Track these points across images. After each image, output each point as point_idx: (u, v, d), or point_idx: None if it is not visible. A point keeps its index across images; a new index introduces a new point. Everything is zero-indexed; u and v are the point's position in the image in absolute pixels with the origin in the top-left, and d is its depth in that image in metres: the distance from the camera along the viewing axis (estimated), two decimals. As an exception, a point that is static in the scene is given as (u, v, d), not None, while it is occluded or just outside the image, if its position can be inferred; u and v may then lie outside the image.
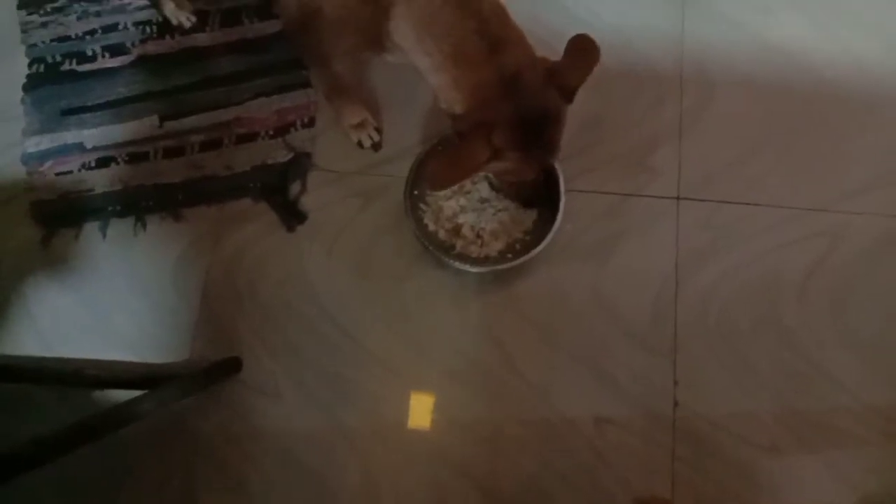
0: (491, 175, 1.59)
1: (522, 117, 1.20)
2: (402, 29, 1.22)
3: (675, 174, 1.69)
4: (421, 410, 1.59)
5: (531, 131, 1.22)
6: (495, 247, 1.61)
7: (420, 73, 1.27)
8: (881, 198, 1.67)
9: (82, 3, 1.87)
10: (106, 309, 1.66)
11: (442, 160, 1.28)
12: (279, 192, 1.70)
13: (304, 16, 1.33)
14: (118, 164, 1.74)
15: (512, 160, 1.25)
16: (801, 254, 1.63)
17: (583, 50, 1.22)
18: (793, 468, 1.51)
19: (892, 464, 1.50)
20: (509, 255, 1.59)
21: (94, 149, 1.75)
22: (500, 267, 1.56)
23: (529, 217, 1.63)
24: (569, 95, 1.25)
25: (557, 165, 1.55)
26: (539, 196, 1.55)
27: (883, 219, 1.66)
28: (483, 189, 1.63)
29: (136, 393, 1.31)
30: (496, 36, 1.18)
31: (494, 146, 1.20)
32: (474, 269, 1.57)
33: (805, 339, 1.57)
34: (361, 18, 1.26)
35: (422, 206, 1.63)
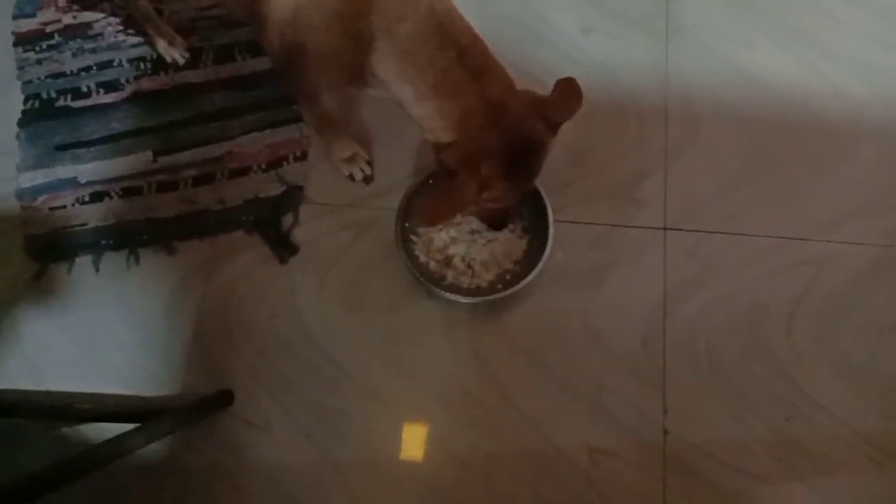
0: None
1: (509, 147, 1.21)
2: (384, 62, 1.23)
3: (661, 205, 1.71)
4: (413, 443, 1.59)
5: (517, 161, 1.24)
6: (486, 277, 1.63)
7: (403, 105, 1.29)
8: (865, 226, 1.70)
9: (77, 41, 1.90)
10: (98, 342, 1.66)
11: (435, 197, 1.30)
12: (271, 224, 1.72)
13: (287, 52, 1.34)
14: (112, 198, 1.76)
15: (497, 190, 1.26)
16: (787, 282, 1.66)
17: (568, 91, 1.25)
18: (782, 496, 1.53)
19: (881, 491, 1.51)
20: (500, 286, 1.60)
21: (89, 183, 1.77)
22: (491, 298, 1.57)
23: (519, 247, 1.66)
24: (552, 129, 1.26)
25: (545, 196, 1.58)
26: (509, 220, 1.56)
27: (867, 247, 1.68)
28: (473, 220, 1.65)
29: (128, 426, 1.30)
30: (477, 65, 1.21)
31: (483, 178, 1.22)
32: (466, 300, 1.59)
33: (793, 367, 1.59)
34: (344, 53, 1.27)
35: (413, 237, 1.65)
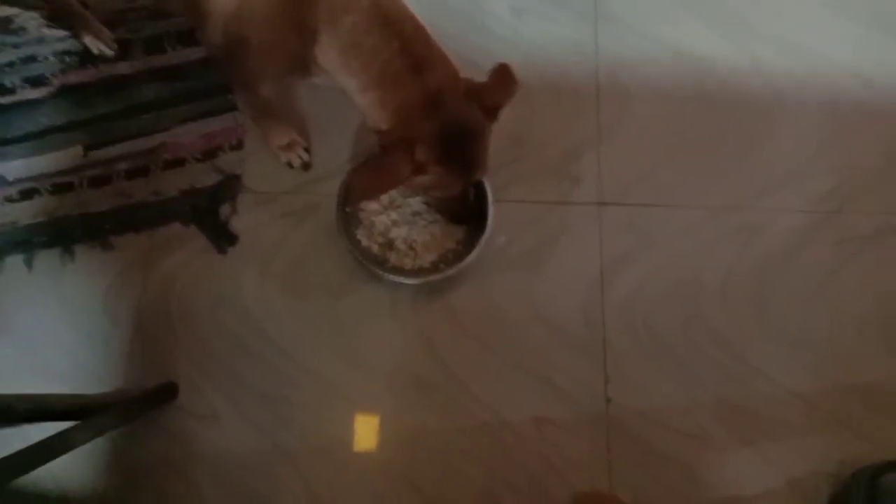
0: (420, 192, 1.62)
1: (444, 133, 1.24)
2: (329, 53, 1.24)
3: (595, 181, 1.76)
4: (365, 427, 1.60)
5: (453, 147, 1.26)
6: (428, 258, 1.64)
7: (347, 93, 1.30)
8: (790, 194, 1.78)
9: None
10: (36, 343, 1.63)
11: (364, 173, 1.31)
12: (209, 215, 1.70)
13: (230, 44, 1.33)
14: (42, 195, 1.71)
15: (435, 174, 1.28)
16: (719, 251, 1.72)
17: (504, 76, 1.28)
18: (725, 456, 1.58)
19: (818, 448, 1.58)
20: (442, 266, 1.62)
21: (17, 181, 1.72)
22: (434, 277, 1.59)
23: (460, 228, 1.67)
24: (491, 115, 1.30)
25: (485, 178, 1.60)
26: (468, 213, 1.59)
27: (794, 214, 1.76)
28: (415, 203, 1.67)
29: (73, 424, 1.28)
30: (419, 56, 1.22)
31: (417, 161, 1.24)
32: (409, 281, 1.60)
33: (728, 332, 1.65)
34: (288, 45, 1.28)
35: (354, 222, 1.65)
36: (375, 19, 1.20)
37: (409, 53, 1.21)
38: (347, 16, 1.20)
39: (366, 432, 1.59)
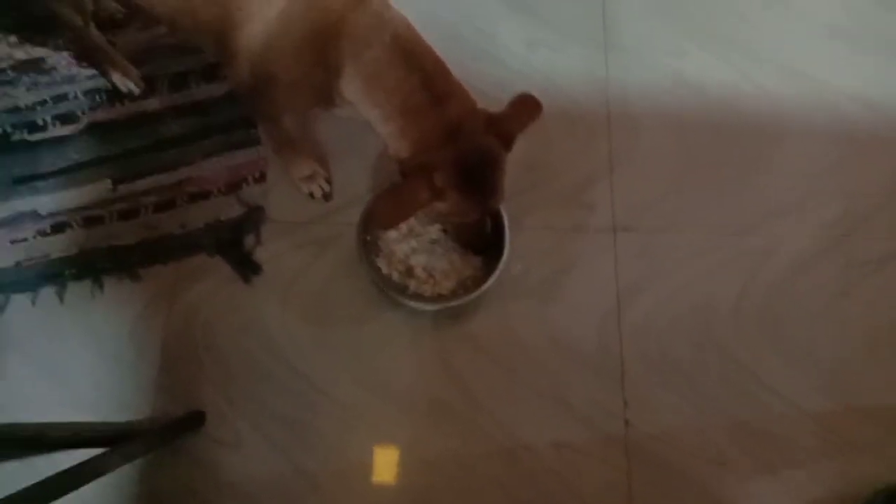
0: (440, 220, 1.66)
1: (462, 160, 1.29)
2: (352, 86, 1.30)
3: (609, 208, 1.80)
4: (385, 452, 1.62)
5: (471, 173, 1.31)
6: (447, 285, 1.68)
7: (370, 123, 1.35)
8: (798, 218, 1.82)
9: (31, 75, 1.91)
10: (66, 372, 1.67)
11: (386, 199, 1.36)
12: (234, 245, 1.75)
13: (256, 79, 1.39)
14: (73, 228, 1.77)
15: (453, 201, 1.33)
16: (731, 275, 1.75)
17: (525, 104, 1.34)
18: (741, 479, 1.60)
19: (833, 470, 1.60)
20: (461, 293, 1.65)
21: (49, 215, 1.78)
22: (453, 303, 1.62)
23: (478, 257, 1.71)
24: (507, 143, 1.34)
25: (501, 205, 1.64)
26: (485, 242, 1.63)
27: (802, 238, 1.79)
28: (433, 231, 1.71)
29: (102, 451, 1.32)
30: (439, 89, 1.28)
31: (436, 187, 1.29)
32: (429, 307, 1.64)
33: (742, 355, 1.68)
34: (314, 79, 1.34)
35: (374, 250, 1.70)
36: (397, 54, 1.26)
37: (430, 86, 1.27)
38: (370, 50, 1.26)
39: (386, 457, 1.62)
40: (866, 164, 1.87)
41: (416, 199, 1.29)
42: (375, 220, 1.37)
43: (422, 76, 1.27)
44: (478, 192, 1.35)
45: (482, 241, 1.62)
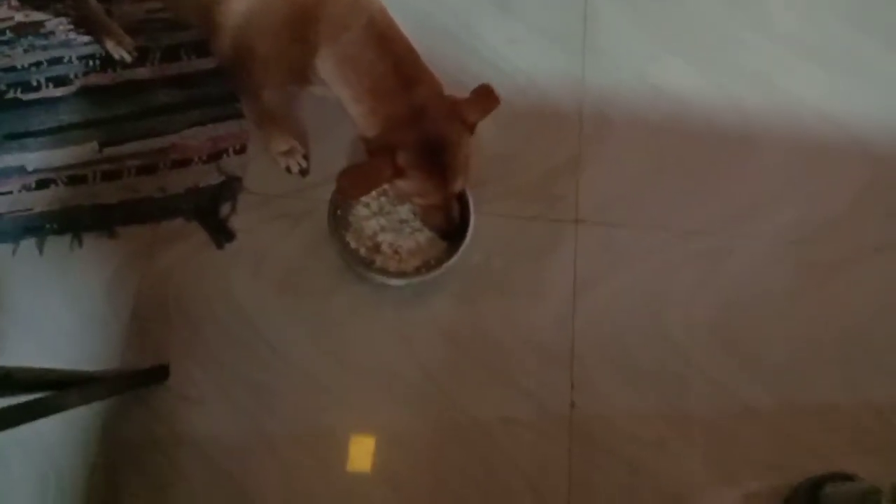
0: (406, 199, 1.73)
1: (424, 141, 1.36)
2: (328, 65, 1.37)
3: (573, 200, 1.87)
4: (343, 419, 1.69)
5: (431, 154, 1.38)
6: (412, 263, 1.74)
7: (342, 102, 1.42)
8: (757, 223, 1.88)
9: (29, 38, 1.98)
10: (39, 323, 1.73)
11: (351, 173, 1.42)
12: (210, 212, 1.82)
13: (237, 53, 1.46)
14: (57, 185, 1.84)
15: (414, 180, 1.40)
16: (687, 272, 1.82)
17: (485, 94, 1.41)
18: (682, 466, 1.66)
19: (772, 462, 1.66)
20: (424, 271, 1.72)
21: (35, 171, 1.85)
22: (415, 279, 1.69)
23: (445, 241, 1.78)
24: (470, 128, 1.42)
25: (467, 189, 1.71)
26: (452, 227, 1.67)
27: (759, 241, 1.86)
28: (402, 211, 1.77)
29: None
30: (409, 74, 1.36)
31: (398, 166, 1.36)
32: (392, 282, 1.70)
33: (690, 348, 1.74)
34: (291, 56, 1.41)
35: (344, 225, 1.76)
36: (371, 38, 1.34)
37: (400, 70, 1.35)
38: (346, 32, 1.34)
39: (344, 424, 1.69)
40: (824, 175, 1.94)
41: (379, 175, 1.37)
42: (340, 191, 1.43)
43: (393, 60, 1.34)
44: (439, 174, 1.42)
45: (450, 226, 1.67)
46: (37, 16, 2.02)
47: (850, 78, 2.06)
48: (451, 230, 1.68)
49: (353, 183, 1.38)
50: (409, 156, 1.36)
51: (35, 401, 1.26)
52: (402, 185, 1.42)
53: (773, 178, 1.94)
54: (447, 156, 1.40)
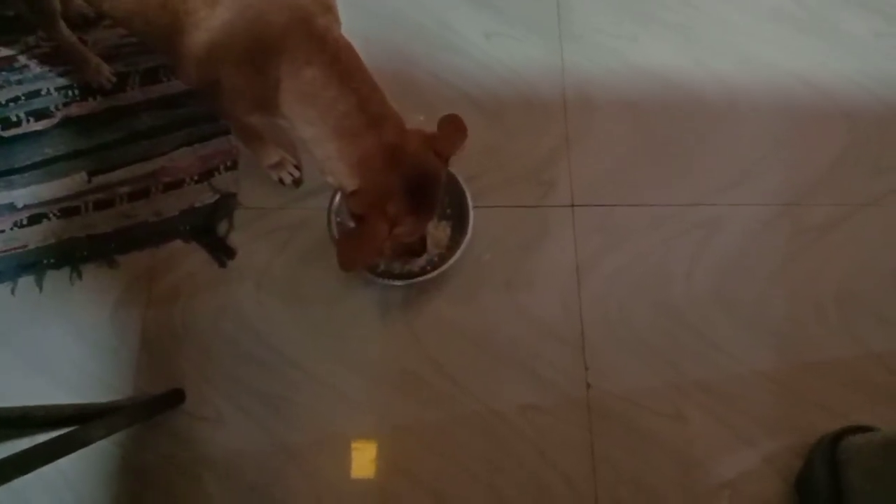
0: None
1: (409, 184, 1.31)
2: (288, 101, 1.30)
3: (567, 186, 1.89)
4: (361, 422, 1.70)
5: (418, 195, 1.33)
6: (416, 263, 1.76)
7: (306, 144, 1.35)
8: (747, 189, 1.93)
9: (3, 73, 1.96)
10: (47, 358, 1.71)
11: (348, 244, 1.37)
12: (208, 231, 1.81)
13: (202, 84, 1.39)
14: (50, 219, 1.82)
15: (408, 224, 1.36)
16: (684, 244, 1.86)
17: (453, 127, 1.37)
18: (700, 434, 1.69)
19: (787, 423, 1.70)
20: (428, 269, 1.74)
21: (26, 207, 1.83)
22: (421, 278, 1.70)
23: (444, 234, 1.79)
24: (444, 161, 1.38)
25: (464, 185, 1.73)
26: (424, 247, 1.64)
27: (751, 207, 1.91)
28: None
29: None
30: (375, 112, 1.29)
31: (390, 216, 1.31)
32: (398, 283, 1.72)
33: (695, 318, 1.78)
34: (254, 88, 1.33)
35: (345, 231, 1.76)
36: (334, 75, 1.26)
37: (366, 108, 1.27)
38: (309, 68, 1.25)
39: (362, 427, 1.69)
40: (808, 139, 1.99)
41: (377, 237, 1.30)
42: (342, 265, 1.33)
43: (358, 98, 1.27)
44: (428, 211, 1.39)
45: (422, 248, 1.64)
46: (5, 51, 1.99)
47: (825, 41, 2.11)
48: (423, 249, 1.65)
49: (354, 255, 1.33)
50: (398, 203, 1.31)
51: (58, 438, 1.25)
52: (397, 230, 1.36)
53: (759, 145, 1.98)
54: (434, 192, 1.37)
